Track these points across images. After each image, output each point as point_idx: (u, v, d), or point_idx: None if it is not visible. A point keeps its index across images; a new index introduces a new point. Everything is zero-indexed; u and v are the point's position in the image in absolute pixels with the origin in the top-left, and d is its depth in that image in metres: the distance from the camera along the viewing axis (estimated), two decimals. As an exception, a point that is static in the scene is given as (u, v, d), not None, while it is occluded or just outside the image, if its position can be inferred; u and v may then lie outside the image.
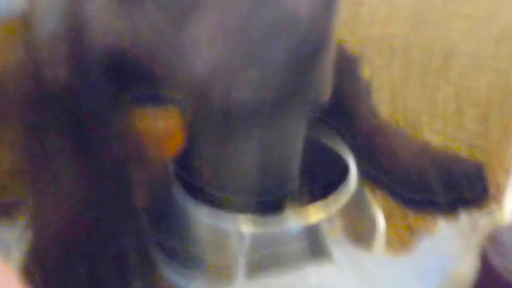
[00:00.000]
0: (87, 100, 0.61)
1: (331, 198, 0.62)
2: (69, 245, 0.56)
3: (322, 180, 0.69)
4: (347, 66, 0.78)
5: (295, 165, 0.59)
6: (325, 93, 0.59)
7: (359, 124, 0.76)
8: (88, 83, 0.62)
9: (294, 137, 0.58)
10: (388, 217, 0.70)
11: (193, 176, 0.61)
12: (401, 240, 0.68)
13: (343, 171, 0.66)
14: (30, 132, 0.61)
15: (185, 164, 0.64)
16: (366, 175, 0.73)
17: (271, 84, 0.53)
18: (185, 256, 0.61)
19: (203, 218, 0.59)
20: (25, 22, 0.75)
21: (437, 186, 0.70)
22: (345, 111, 0.75)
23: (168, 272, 0.61)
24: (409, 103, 0.91)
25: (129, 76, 0.65)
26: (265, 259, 0.59)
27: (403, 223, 0.70)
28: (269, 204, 0.59)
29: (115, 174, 0.61)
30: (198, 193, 0.61)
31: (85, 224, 0.57)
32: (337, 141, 0.70)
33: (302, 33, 0.53)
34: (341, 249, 0.62)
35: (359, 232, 0.64)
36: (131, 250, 0.57)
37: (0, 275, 0.41)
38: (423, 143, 0.78)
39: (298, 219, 0.60)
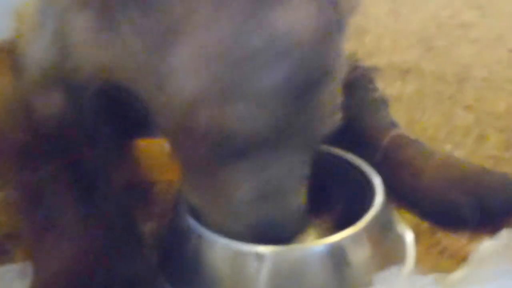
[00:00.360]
0: (82, 136, 0.59)
1: (355, 214, 0.59)
2: (73, 282, 0.52)
3: (347, 196, 0.67)
4: (362, 76, 0.76)
5: (299, 197, 0.56)
6: (333, 124, 0.56)
7: (378, 136, 0.73)
8: (81, 118, 0.60)
9: (297, 167, 0.54)
10: (416, 234, 0.66)
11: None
12: (430, 257, 0.63)
13: (368, 188, 0.63)
14: (21, 161, 0.59)
15: None
16: (389, 190, 0.70)
17: (262, 116, 0.49)
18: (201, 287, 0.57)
19: (218, 244, 0.56)
20: (14, 47, 0.74)
21: (464, 201, 0.66)
22: (363, 123, 0.73)
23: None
24: (428, 132, 0.88)
25: (125, 119, 0.64)
26: (288, 285, 0.55)
27: (432, 240, 0.66)
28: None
29: (118, 208, 0.58)
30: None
31: (89, 256, 0.54)
32: (361, 159, 0.67)
33: (297, 59, 0.49)
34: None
35: (387, 251, 0.60)
36: (140, 282, 0.53)
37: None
38: (446, 155, 0.74)
39: (321, 238, 0.57)
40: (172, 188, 0.68)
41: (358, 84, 0.75)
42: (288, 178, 0.54)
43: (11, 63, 0.69)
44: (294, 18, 0.48)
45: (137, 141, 0.72)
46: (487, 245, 0.54)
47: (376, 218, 0.58)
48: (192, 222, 0.58)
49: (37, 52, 0.63)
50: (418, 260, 0.63)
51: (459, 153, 0.82)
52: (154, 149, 0.72)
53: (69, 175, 0.57)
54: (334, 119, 0.56)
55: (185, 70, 0.49)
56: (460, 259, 0.63)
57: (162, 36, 0.49)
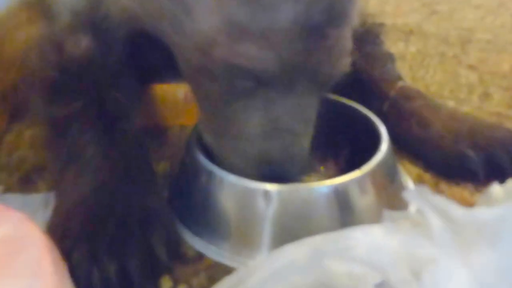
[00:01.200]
0: (107, 77, 0.62)
1: (361, 162, 0.58)
2: (93, 208, 0.53)
3: (353, 144, 0.67)
4: (369, 31, 0.76)
5: (305, 139, 0.56)
6: (342, 69, 0.56)
7: (386, 88, 0.72)
8: (106, 61, 0.63)
9: (304, 110, 0.55)
10: (419, 184, 0.66)
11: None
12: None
13: (374, 136, 0.62)
14: (51, 98, 0.62)
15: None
16: (395, 140, 0.69)
17: (270, 55, 0.51)
18: (210, 223, 0.57)
19: (227, 181, 0.56)
20: (46, 9, 0.78)
21: (473, 155, 0.65)
22: (370, 75, 0.73)
23: (193, 240, 0.57)
24: (431, 88, 0.88)
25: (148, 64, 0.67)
26: (294, 225, 0.55)
27: (435, 190, 0.66)
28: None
29: (135, 147, 0.60)
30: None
31: (108, 187, 0.55)
32: (367, 109, 0.67)
33: (305, 1, 0.49)
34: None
35: (390, 197, 0.60)
36: (153, 214, 0.54)
37: (25, 231, 0.41)
38: (453, 109, 0.74)
39: (326, 180, 0.57)
40: (184, 132, 0.71)
41: (366, 38, 0.75)
42: (295, 118, 0.54)
43: (44, 11, 0.76)
44: None
45: (154, 87, 0.74)
46: (496, 189, 0.53)
47: (381, 164, 0.58)
48: (203, 159, 0.58)
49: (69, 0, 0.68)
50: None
51: (463, 110, 0.81)
52: (169, 96, 0.75)
53: (93, 113, 0.60)
54: (343, 64, 0.55)
55: (201, 11, 0.52)
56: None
57: None
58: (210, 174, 0.57)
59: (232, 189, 0.56)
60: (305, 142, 0.57)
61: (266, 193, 0.54)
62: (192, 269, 0.55)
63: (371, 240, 0.45)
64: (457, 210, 0.38)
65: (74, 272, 0.48)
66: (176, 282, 0.53)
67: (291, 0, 0.49)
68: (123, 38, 0.64)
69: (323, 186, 0.56)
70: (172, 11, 0.54)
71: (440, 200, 0.40)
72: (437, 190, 0.66)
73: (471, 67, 0.95)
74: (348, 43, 0.55)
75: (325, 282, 0.41)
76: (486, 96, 0.86)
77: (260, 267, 0.46)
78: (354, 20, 0.56)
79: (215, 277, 0.52)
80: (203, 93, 0.57)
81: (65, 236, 0.51)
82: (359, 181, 0.56)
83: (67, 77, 0.62)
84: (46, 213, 0.57)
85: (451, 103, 0.83)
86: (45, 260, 0.40)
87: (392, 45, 0.98)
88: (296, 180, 0.56)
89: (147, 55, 0.67)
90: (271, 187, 0.54)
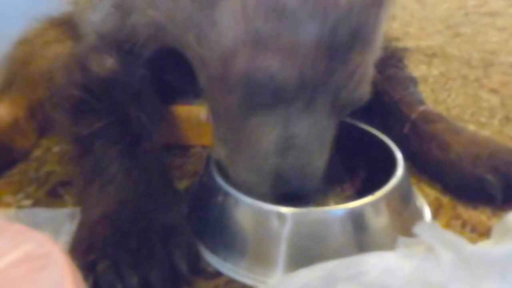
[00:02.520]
0: (131, 97, 0.64)
1: (377, 184, 0.59)
2: (116, 223, 0.55)
3: (370, 167, 0.67)
4: (393, 55, 0.77)
5: (320, 160, 0.57)
6: (361, 96, 0.57)
7: (407, 111, 0.73)
8: (131, 81, 0.65)
9: (322, 131, 0.56)
10: (437, 207, 0.66)
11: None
12: (451, 230, 0.63)
13: (390, 161, 0.63)
14: (77, 117, 0.64)
15: None
16: (415, 162, 0.71)
17: (290, 69, 0.51)
18: (225, 241, 0.58)
19: (242, 202, 0.57)
20: (72, 18, 0.81)
21: (492, 179, 0.65)
22: (393, 97, 0.74)
23: (209, 257, 0.58)
24: (453, 112, 0.88)
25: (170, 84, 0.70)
26: (309, 246, 0.55)
27: (452, 213, 0.66)
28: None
29: (158, 164, 0.62)
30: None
31: (131, 203, 0.57)
32: (384, 135, 0.67)
33: (330, 21, 0.50)
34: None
35: (405, 221, 0.60)
36: (174, 230, 0.55)
37: (47, 250, 0.42)
38: (473, 133, 0.73)
39: (341, 203, 0.57)
40: (206, 151, 0.72)
41: (389, 62, 0.76)
42: (312, 138, 0.55)
43: (71, 31, 0.80)
44: None
45: (178, 108, 0.76)
46: (511, 217, 0.53)
47: (396, 189, 0.59)
48: (219, 179, 0.59)
49: (97, 21, 0.71)
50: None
51: (484, 133, 0.82)
52: (192, 117, 0.77)
53: (117, 132, 0.62)
54: (363, 90, 0.56)
55: (226, 23, 0.53)
56: (482, 233, 0.62)
57: None
58: (226, 194, 0.58)
59: (247, 210, 0.57)
60: (320, 163, 0.57)
61: (280, 215, 0.55)
62: (211, 284, 0.56)
63: (384, 265, 0.45)
64: (466, 246, 0.39)
65: (97, 284, 0.50)
66: (195, 297, 0.54)
67: (318, 19, 0.50)
68: (148, 56, 0.66)
69: (337, 209, 0.56)
70: (198, 22, 0.56)
71: (450, 236, 0.40)
72: (455, 213, 0.66)
73: (493, 91, 0.95)
74: (370, 70, 0.56)
75: (338, 305, 0.42)
76: (507, 120, 0.86)
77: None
78: (378, 50, 0.57)
79: (234, 293, 0.54)
80: (221, 107, 0.58)
81: (90, 249, 0.53)
82: (373, 204, 0.57)
83: (91, 97, 0.64)
84: (72, 226, 0.59)
85: (472, 127, 0.84)
86: (66, 278, 0.41)
87: (415, 67, 0.99)
88: (307, 201, 0.56)
89: (170, 75, 0.69)
90: (285, 209, 0.55)
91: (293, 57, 0.51)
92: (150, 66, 0.67)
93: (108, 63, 0.66)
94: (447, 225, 0.64)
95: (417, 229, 0.42)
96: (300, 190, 0.56)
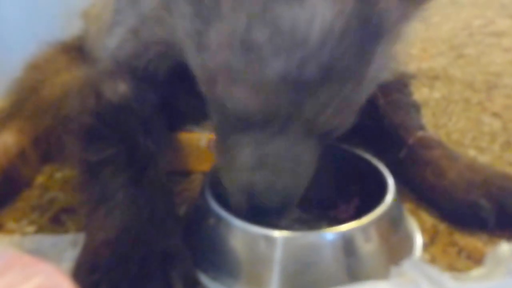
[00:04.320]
0: (140, 124, 0.66)
1: (366, 210, 0.60)
2: (119, 247, 0.57)
3: (363, 193, 0.68)
4: (399, 80, 0.78)
5: (295, 180, 0.58)
6: (343, 123, 0.57)
7: (405, 135, 0.74)
8: (141, 108, 0.68)
9: (297, 152, 0.56)
10: (433, 234, 0.67)
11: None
12: (447, 257, 0.64)
13: (383, 187, 0.64)
14: (86, 143, 0.66)
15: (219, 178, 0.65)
16: (411, 188, 0.72)
17: (257, 101, 0.53)
18: (220, 265, 0.60)
19: (235, 226, 0.59)
20: (83, 43, 0.83)
21: (485, 204, 0.66)
22: (392, 122, 0.75)
23: (208, 282, 0.60)
24: (453, 136, 0.89)
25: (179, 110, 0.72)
26: (300, 270, 0.56)
27: (449, 240, 0.66)
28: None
29: (161, 191, 0.64)
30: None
31: (133, 230, 0.59)
32: (378, 161, 0.68)
33: (297, 57, 0.50)
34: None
35: (394, 246, 0.61)
36: (173, 255, 0.57)
37: (56, 281, 0.45)
38: (470, 159, 0.74)
39: (331, 227, 0.59)
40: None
41: (394, 86, 0.77)
42: (284, 159, 0.56)
43: (84, 56, 0.82)
44: (302, 17, 0.50)
45: (179, 135, 0.78)
46: (504, 248, 0.54)
47: (385, 215, 0.60)
48: (212, 203, 0.61)
49: (113, 47, 0.73)
50: (435, 260, 0.63)
51: (484, 159, 0.82)
52: (193, 143, 0.78)
53: (125, 159, 0.64)
54: (343, 119, 0.57)
55: (212, 48, 0.55)
56: (477, 260, 0.63)
57: (202, 18, 0.55)
58: (218, 217, 0.60)
59: (238, 233, 0.59)
60: (295, 183, 0.58)
61: (270, 239, 0.57)
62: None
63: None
64: (450, 282, 0.40)
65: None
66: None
67: (284, 54, 0.50)
68: (161, 78, 0.68)
69: (328, 233, 0.58)
70: (189, 45, 0.58)
71: (434, 272, 0.41)
72: (451, 240, 0.67)
73: (495, 114, 0.95)
74: (354, 100, 0.56)
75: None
76: (508, 145, 0.86)
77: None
78: (372, 80, 0.56)
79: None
80: (213, 119, 0.61)
81: (93, 271, 0.55)
82: (363, 229, 0.58)
83: (103, 124, 0.66)
84: (74, 252, 0.60)
85: (472, 152, 0.84)
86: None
87: (416, 90, 0.99)
88: (279, 218, 0.58)
89: (178, 100, 0.72)
90: (275, 233, 0.57)
91: (259, 91, 0.52)
92: (161, 92, 0.69)
93: (121, 89, 0.68)
94: (443, 252, 0.65)
95: (404, 265, 0.43)
96: (271, 205, 0.58)
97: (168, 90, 0.70)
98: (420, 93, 1.00)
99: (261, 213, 0.58)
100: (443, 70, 1.12)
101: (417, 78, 1.04)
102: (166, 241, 0.59)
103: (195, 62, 0.59)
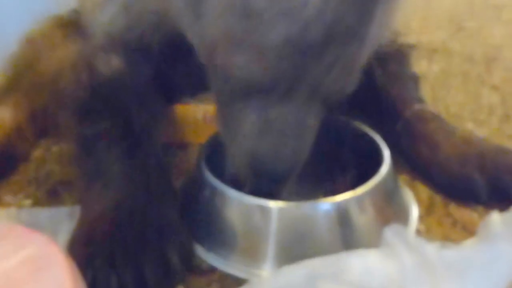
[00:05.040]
0: (134, 97, 0.66)
1: (361, 180, 0.60)
2: (114, 220, 0.57)
3: (360, 165, 0.68)
4: (398, 51, 0.78)
5: (299, 144, 0.57)
6: (347, 86, 0.57)
7: (402, 108, 0.73)
8: (135, 81, 0.67)
9: (301, 117, 0.56)
10: (429, 206, 0.67)
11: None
12: (442, 229, 0.64)
13: (380, 158, 0.64)
14: (80, 117, 0.66)
15: (215, 149, 0.65)
16: (407, 161, 0.72)
17: (260, 67, 0.52)
18: (216, 236, 0.60)
19: (230, 197, 0.59)
20: (79, 18, 0.83)
21: (479, 178, 0.66)
22: (389, 94, 0.74)
23: (202, 252, 0.60)
24: (451, 109, 0.88)
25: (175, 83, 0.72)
26: (295, 239, 0.57)
27: (444, 212, 0.67)
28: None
29: (157, 164, 0.64)
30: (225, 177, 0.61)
31: (129, 202, 0.59)
32: (375, 132, 0.68)
33: (299, 21, 0.49)
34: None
35: (389, 218, 0.61)
36: (169, 227, 0.58)
37: (48, 252, 0.45)
38: (467, 133, 0.74)
39: (326, 197, 0.59)
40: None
41: (393, 58, 0.76)
42: (288, 125, 0.56)
43: (79, 31, 0.81)
44: None
45: (175, 107, 0.77)
46: (494, 218, 0.54)
47: (379, 186, 0.60)
48: (208, 175, 0.61)
49: (105, 21, 0.73)
50: (431, 231, 0.64)
51: (482, 132, 0.82)
52: (189, 115, 0.78)
53: (120, 133, 0.64)
54: (347, 82, 0.56)
55: (210, 16, 0.54)
56: (472, 231, 0.62)
57: None
58: (213, 188, 0.60)
59: (234, 203, 0.59)
60: (298, 147, 0.57)
61: (265, 209, 0.57)
62: (205, 281, 0.58)
63: (365, 264, 0.47)
64: (429, 249, 0.40)
65: (95, 278, 0.52)
66: (189, 292, 0.56)
67: (286, 19, 0.50)
68: (155, 51, 0.68)
69: (323, 203, 0.58)
70: (189, 13, 0.57)
71: (414, 239, 0.42)
72: (446, 211, 0.67)
73: (494, 88, 0.95)
74: (356, 62, 0.55)
75: (316, 304, 0.43)
76: (506, 118, 0.86)
77: (262, 285, 0.49)
78: (373, 40, 0.55)
79: (227, 288, 0.55)
80: (214, 88, 0.60)
81: (88, 244, 0.55)
82: (358, 200, 0.59)
83: (97, 98, 0.65)
84: (71, 225, 0.61)
85: (470, 125, 0.84)
86: (67, 278, 0.43)
87: (415, 64, 0.98)
88: (283, 185, 0.58)
89: (173, 72, 0.71)
90: (270, 203, 0.57)
91: (262, 56, 0.52)
92: (155, 64, 0.69)
93: (114, 62, 0.68)
94: (438, 223, 0.65)
95: (385, 232, 0.44)
96: (276, 173, 0.57)
97: (163, 63, 0.70)
98: (419, 66, 0.98)
99: (265, 183, 0.57)
100: (442, 43, 1.11)
101: (416, 51, 1.03)
102: (162, 213, 0.59)
103: (193, 31, 0.58)
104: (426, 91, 0.89)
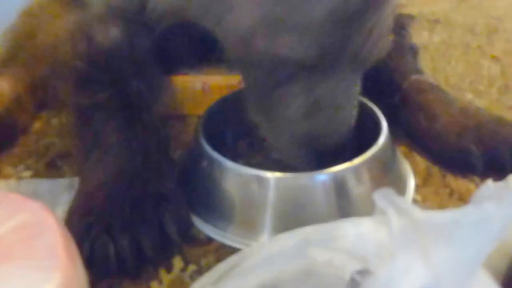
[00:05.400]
0: (134, 63, 0.66)
1: (358, 151, 0.60)
2: (112, 190, 0.58)
3: (361, 136, 0.67)
4: (396, 22, 0.77)
5: (349, 112, 0.59)
6: (383, 47, 0.58)
7: (400, 79, 0.73)
8: (134, 52, 0.67)
9: (346, 87, 0.58)
10: (426, 176, 0.67)
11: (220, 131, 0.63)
12: (439, 199, 0.65)
13: (376, 129, 0.64)
14: (78, 88, 0.66)
15: (213, 121, 0.66)
16: (405, 132, 0.72)
17: (309, 44, 0.53)
18: (214, 208, 0.60)
19: (228, 168, 0.59)
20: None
21: (475, 149, 0.66)
22: (388, 65, 0.73)
23: (199, 223, 0.61)
24: (451, 80, 0.88)
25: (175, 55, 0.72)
26: (292, 210, 0.58)
27: (441, 182, 0.67)
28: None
29: (155, 135, 0.64)
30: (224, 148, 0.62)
31: (127, 173, 0.59)
32: (373, 103, 0.68)
33: None
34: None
35: (386, 186, 0.61)
36: (166, 198, 0.58)
37: (42, 218, 0.45)
38: (465, 103, 0.73)
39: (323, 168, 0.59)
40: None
41: (392, 29, 0.76)
42: (336, 98, 0.57)
43: (77, 3, 0.79)
44: None
45: (174, 78, 0.77)
46: (489, 186, 0.54)
47: (376, 156, 0.60)
48: (206, 146, 0.62)
49: None
50: (427, 200, 0.64)
51: (481, 102, 0.81)
52: (188, 87, 0.78)
53: (117, 104, 0.64)
54: (383, 42, 0.58)
55: (242, 8, 0.55)
56: (468, 201, 0.63)
57: None
58: (210, 159, 0.60)
59: (231, 175, 0.59)
60: (349, 115, 0.59)
61: (262, 180, 0.57)
62: (201, 251, 0.59)
63: (358, 231, 0.47)
64: (417, 212, 0.40)
65: (93, 247, 0.53)
66: (187, 262, 0.57)
67: None
68: (154, 22, 0.67)
69: (320, 173, 0.58)
70: (216, 7, 0.58)
71: (403, 202, 0.42)
72: (443, 182, 0.67)
73: (494, 59, 0.94)
74: (387, 21, 0.57)
75: (308, 269, 0.44)
76: (506, 88, 0.85)
77: (256, 253, 0.50)
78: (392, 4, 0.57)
79: (223, 258, 0.55)
80: (250, 81, 0.61)
81: (86, 214, 0.56)
82: (354, 170, 0.59)
83: (95, 68, 0.65)
84: (70, 196, 0.61)
85: (469, 96, 0.84)
86: (60, 244, 0.43)
87: (416, 34, 0.98)
88: (344, 155, 0.59)
89: (171, 46, 0.71)
90: (267, 174, 0.57)
91: (308, 33, 0.53)
92: (154, 35, 0.68)
93: (113, 33, 0.68)
94: (435, 193, 0.66)
95: (374, 196, 0.44)
96: (334, 145, 0.59)
97: (162, 33, 0.69)
98: (420, 37, 0.99)
99: (326, 156, 0.58)
100: (444, 14, 1.10)
101: (418, 22, 1.03)
102: (160, 183, 0.59)
103: (221, 26, 0.58)
104: (426, 62, 0.90)
